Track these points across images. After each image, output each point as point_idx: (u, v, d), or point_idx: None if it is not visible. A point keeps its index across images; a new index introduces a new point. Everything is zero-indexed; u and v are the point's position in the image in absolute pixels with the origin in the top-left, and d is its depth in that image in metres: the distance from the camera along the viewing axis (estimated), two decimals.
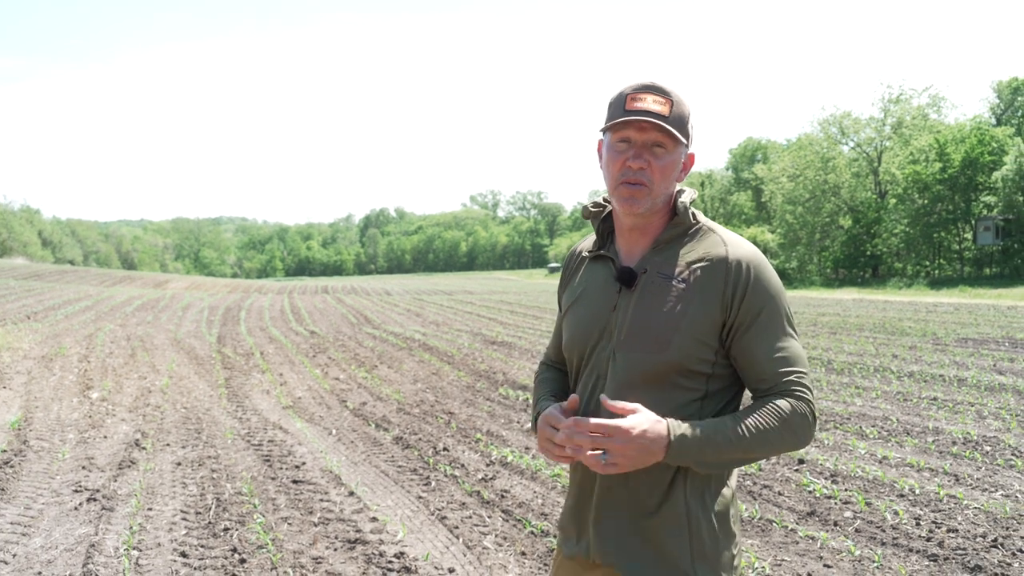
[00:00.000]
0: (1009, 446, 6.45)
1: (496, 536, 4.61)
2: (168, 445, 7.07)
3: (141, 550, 4.39)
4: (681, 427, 1.53)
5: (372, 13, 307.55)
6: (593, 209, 1.82)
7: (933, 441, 6.67)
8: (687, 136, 1.67)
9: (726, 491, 1.68)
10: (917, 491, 5.28)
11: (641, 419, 1.51)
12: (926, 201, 39.21)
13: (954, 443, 6.60)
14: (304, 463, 6.38)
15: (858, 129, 45.23)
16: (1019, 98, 45.85)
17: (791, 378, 1.61)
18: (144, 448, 6.91)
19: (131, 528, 4.73)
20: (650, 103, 1.63)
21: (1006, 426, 7.19)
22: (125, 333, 17.08)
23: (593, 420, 1.50)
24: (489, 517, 4.96)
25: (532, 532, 4.65)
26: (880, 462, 6.08)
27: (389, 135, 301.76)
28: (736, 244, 1.67)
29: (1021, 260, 36.25)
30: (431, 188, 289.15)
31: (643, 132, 1.63)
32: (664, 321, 1.63)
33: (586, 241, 1.90)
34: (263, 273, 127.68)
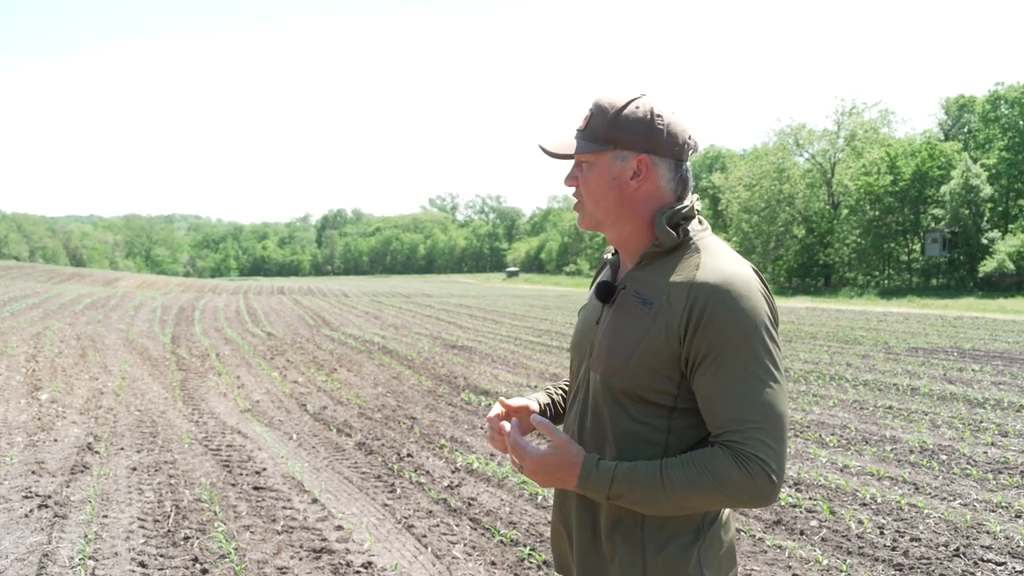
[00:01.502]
0: (964, 455, 6.59)
1: (465, 545, 4.55)
2: (122, 449, 6.88)
3: (97, 559, 4.24)
4: (599, 463, 1.48)
5: (331, 13, 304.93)
6: None
7: (891, 450, 6.79)
8: (609, 141, 1.57)
9: (689, 534, 1.54)
10: (879, 500, 5.36)
11: (555, 447, 1.51)
12: (877, 212, 40.15)
13: (911, 452, 6.72)
14: (265, 469, 6.25)
15: (812, 141, 46.10)
16: (965, 115, 47.17)
17: (741, 428, 1.41)
18: (97, 452, 6.71)
19: (86, 536, 4.57)
20: (582, 121, 1.65)
21: (959, 435, 7.35)
22: (75, 332, 16.62)
23: (510, 439, 1.57)
24: (457, 525, 4.90)
25: (502, 541, 4.61)
26: (841, 470, 6.17)
27: (348, 135, 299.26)
28: (710, 268, 1.50)
29: (966, 271, 37.28)
30: (389, 190, 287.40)
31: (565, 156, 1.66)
32: (624, 344, 1.54)
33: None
34: (217, 272, 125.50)
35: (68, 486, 5.64)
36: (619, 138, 1.57)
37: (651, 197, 1.60)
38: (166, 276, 71.26)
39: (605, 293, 1.64)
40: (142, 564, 4.20)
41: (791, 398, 9.35)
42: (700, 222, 1.63)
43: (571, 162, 1.67)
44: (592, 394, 1.61)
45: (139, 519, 4.94)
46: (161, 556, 4.32)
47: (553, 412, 1.87)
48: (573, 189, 1.66)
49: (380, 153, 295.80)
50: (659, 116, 1.58)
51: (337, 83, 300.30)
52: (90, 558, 4.25)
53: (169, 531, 4.71)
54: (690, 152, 1.61)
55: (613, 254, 1.76)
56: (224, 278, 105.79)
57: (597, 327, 1.65)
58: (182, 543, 4.52)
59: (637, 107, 1.58)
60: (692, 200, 1.63)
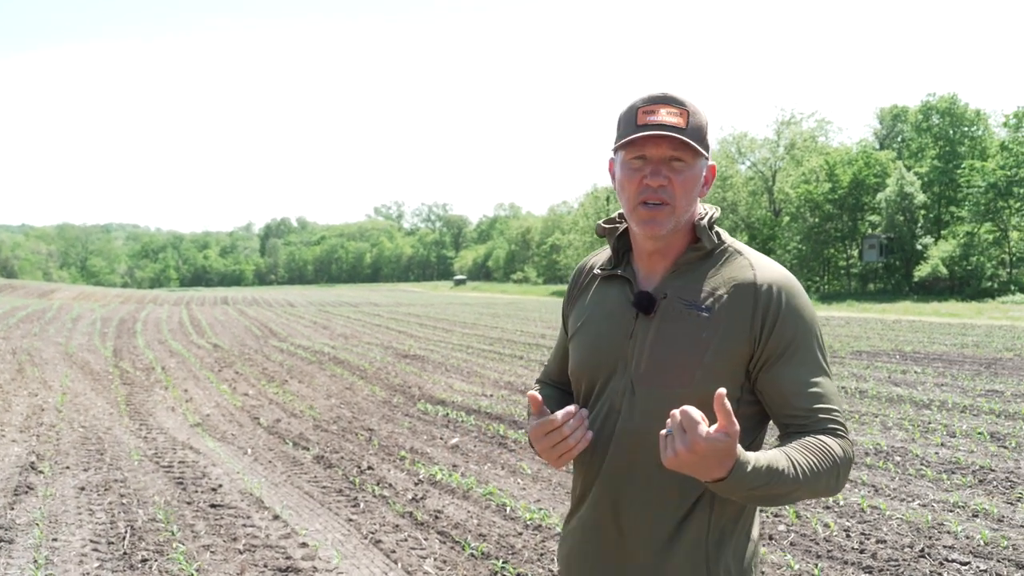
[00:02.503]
0: (917, 456, 6.74)
1: (436, 559, 4.47)
2: (68, 468, 6.60)
3: None
4: (751, 461, 1.37)
5: (273, 19, 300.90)
6: (607, 225, 1.69)
7: None
8: (707, 147, 1.55)
9: (750, 541, 1.58)
10: (841, 503, 5.44)
11: (728, 435, 1.29)
12: (817, 219, 41.24)
13: (867, 454, 6.85)
14: (221, 485, 6.06)
15: (754, 149, 47.19)
16: (899, 124, 48.76)
17: (830, 416, 1.46)
18: (41, 472, 6.43)
19: (36, 562, 4.35)
20: (664, 115, 1.51)
21: (911, 436, 7.53)
22: (10, 346, 16.00)
23: (685, 414, 1.28)
24: (425, 539, 4.81)
25: (473, 555, 4.53)
26: None
27: (291, 142, 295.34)
28: (765, 267, 1.54)
29: (901, 276, 38.51)
30: (334, 198, 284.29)
31: (659, 147, 1.50)
32: (687, 353, 1.49)
33: (598, 256, 1.76)
34: (156, 283, 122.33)
35: (12, 508, 5.38)
36: (707, 145, 1.56)
37: (696, 201, 1.59)
38: (103, 287, 69.26)
39: (645, 303, 1.55)
40: None
41: None
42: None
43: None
44: (634, 410, 1.53)
45: (92, 541, 4.73)
46: None
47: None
48: (655, 188, 1.53)
49: (324, 161, 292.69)
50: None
51: (280, 89, 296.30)
52: None
53: (125, 553, 4.52)
54: None
55: (613, 266, 1.66)
56: (164, 288, 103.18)
57: (631, 341, 1.56)
58: (140, 566, 4.34)
59: (702, 114, 1.58)
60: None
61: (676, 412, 1.30)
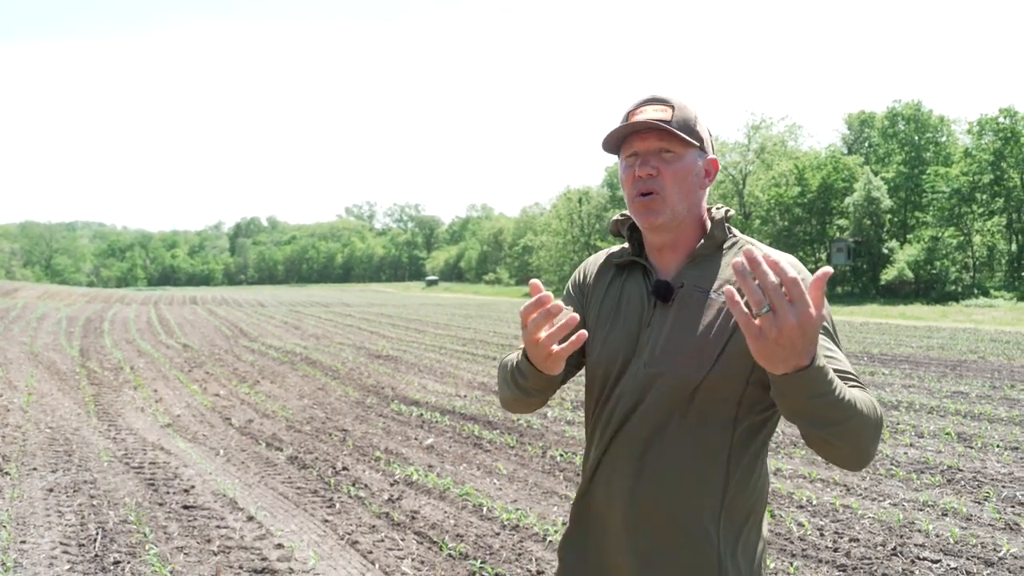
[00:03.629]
0: (887, 456, 6.85)
1: (413, 560, 4.45)
2: (35, 469, 6.48)
3: None
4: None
5: (242, 17, 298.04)
6: (620, 218, 1.73)
7: None
8: (697, 138, 1.59)
9: (760, 535, 1.59)
10: (815, 502, 5.50)
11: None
12: (786, 223, 41.74)
13: None
14: (193, 486, 5.98)
15: (725, 152, 47.54)
16: (866, 130, 49.50)
17: (855, 381, 1.43)
18: (7, 473, 6.30)
19: (4, 564, 4.27)
20: (650, 112, 1.58)
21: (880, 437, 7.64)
22: None
23: (791, 279, 1.16)
24: (403, 540, 4.79)
25: (450, 555, 4.52)
26: (775, 474, 6.32)
27: (261, 141, 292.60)
28: (777, 253, 1.54)
29: (869, 279, 39.07)
30: (305, 198, 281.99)
31: (646, 140, 1.56)
32: (704, 339, 1.52)
33: (605, 254, 1.78)
34: (123, 282, 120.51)
35: None
36: (702, 138, 1.61)
37: (704, 198, 1.65)
38: (68, 286, 68.04)
39: (664, 292, 1.58)
40: None
41: None
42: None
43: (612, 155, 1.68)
44: (650, 397, 1.54)
45: (62, 543, 4.65)
46: None
47: None
48: (644, 178, 1.57)
49: (295, 160, 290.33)
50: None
51: (250, 87, 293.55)
52: None
53: (97, 555, 4.45)
54: None
55: (630, 256, 1.69)
56: (131, 288, 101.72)
57: (648, 329, 1.58)
58: (112, 568, 4.27)
59: (696, 113, 1.63)
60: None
61: (774, 277, 1.16)
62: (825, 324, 1.50)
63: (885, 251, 38.29)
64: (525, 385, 1.60)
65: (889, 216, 39.40)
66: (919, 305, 32.01)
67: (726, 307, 1.52)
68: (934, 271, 35.37)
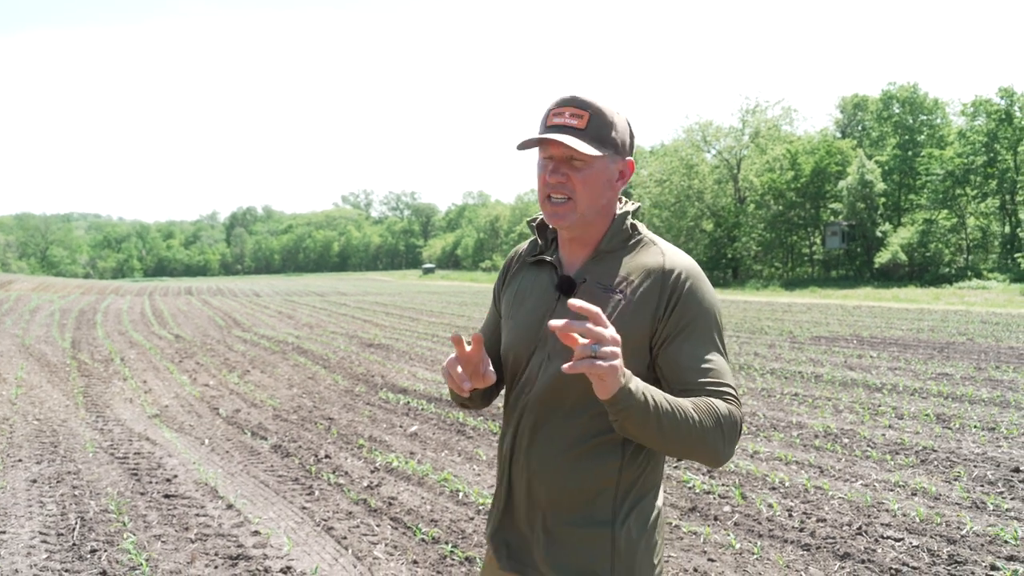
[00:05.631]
0: (864, 438, 6.92)
1: (386, 545, 4.52)
2: (20, 461, 6.54)
3: None
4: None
5: (239, 6, 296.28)
6: (540, 216, 1.82)
7: (797, 435, 7.07)
8: (611, 145, 1.66)
9: (654, 506, 1.68)
10: (787, 484, 5.58)
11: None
12: (780, 207, 41.79)
13: (816, 436, 7.02)
14: (176, 476, 6.05)
15: (719, 137, 47.47)
16: (859, 113, 49.44)
17: (720, 388, 1.57)
18: None
19: None
20: (567, 117, 1.64)
21: (860, 419, 7.71)
22: None
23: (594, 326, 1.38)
24: (378, 526, 4.86)
25: (423, 539, 4.59)
26: (752, 456, 6.39)
27: (256, 131, 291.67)
28: (674, 256, 1.67)
29: (862, 263, 39.16)
30: (301, 186, 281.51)
31: (559, 147, 1.63)
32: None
33: (528, 244, 1.89)
34: (119, 273, 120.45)
35: None
36: (616, 143, 1.67)
37: (614, 196, 1.72)
38: (63, 278, 68.00)
39: (567, 286, 1.68)
40: None
41: None
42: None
43: (529, 153, 1.73)
44: (549, 382, 1.64)
45: (41, 533, 4.71)
46: (66, 571, 4.13)
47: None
48: (554, 184, 1.65)
49: (291, 149, 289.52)
50: (628, 122, 1.71)
51: (244, 76, 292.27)
52: None
53: (74, 544, 4.51)
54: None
55: (540, 252, 1.80)
56: (127, 279, 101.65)
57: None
58: (89, 556, 4.33)
59: (619, 113, 1.68)
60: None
61: (591, 325, 1.35)
62: (701, 327, 1.60)
63: (879, 234, 38.35)
64: (465, 400, 1.83)
65: (883, 199, 39.43)
66: (913, 288, 32.10)
67: (620, 303, 1.63)
68: (928, 254, 35.47)
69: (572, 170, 1.63)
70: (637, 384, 1.43)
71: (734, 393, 1.58)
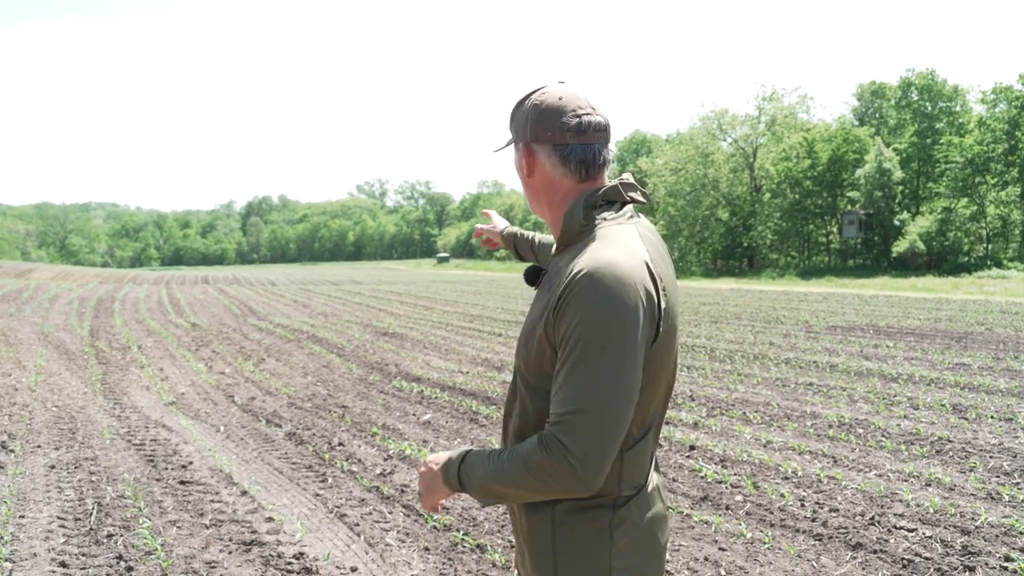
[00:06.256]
0: (879, 428, 6.88)
1: (398, 532, 4.55)
2: (39, 447, 6.63)
3: (15, 561, 4.09)
4: (463, 456, 1.59)
5: None
6: None
7: (811, 425, 7.04)
8: (511, 134, 1.69)
9: (608, 509, 1.56)
10: (800, 473, 5.56)
11: (432, 458, 1.68)
12: (797, 196, 41.42)
13: (830, 426, 6.99)
14: (191, 462, 6.11)
15: (735, 126, 47.10)
16: (877, 101, 48.90)
17: (560, 416, 1.40)
18: (12, 451, 6.45)
19: (1, 538, 4.39)
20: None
21: (875, 409, 7.67)
22: None
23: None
24: (390, 513, 4.89)
25: (435, 527, 4.62)
26: (765, 446, 6.38)
27: (272, 120, 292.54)
28: (588, 257, 1.47)
29: (879, 252, 38.80)
30: (316, 176, 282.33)
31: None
32: (528, 327, 1.58)
33: None
34: (137, 262, 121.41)
35: None
36: (515, 131, 1.66)
37: (550, 186, 1.63)
38: (82, 267, 68.65)
39: (531, 276, 1.70)
40: (63, 564, 4.07)
41: (717, 377, 9.59)
42: (620, 208, 1.61)
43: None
44: (515, 379, 1.65)
45: (59, 518, 4.78)
46: (83, 555, 4.19)
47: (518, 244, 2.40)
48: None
49: (306, 138, 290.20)
50: (536, 104, 1.59)
51: (262, 67, 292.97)
52: (7, 560, 4.10)
53: (91, 529, 4.57)
54: (572, 133, 1.55)
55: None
56: (145, 268, 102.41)
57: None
58: (105, 541, 4.39)
59: (527, 98, 1.63)
60: (615, 183, 1.61)
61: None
62: (582, 346, 1.40)
63: (897, 223, 37.97)
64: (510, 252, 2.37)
65: (901, 188, 39.03)
66: (931, 277, 31.79)
67: (541, 299, 1.57)
68: (947, 243, 35.09)
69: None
70: (455, 466, 1.59)
71: (574, 421, 1.38)
